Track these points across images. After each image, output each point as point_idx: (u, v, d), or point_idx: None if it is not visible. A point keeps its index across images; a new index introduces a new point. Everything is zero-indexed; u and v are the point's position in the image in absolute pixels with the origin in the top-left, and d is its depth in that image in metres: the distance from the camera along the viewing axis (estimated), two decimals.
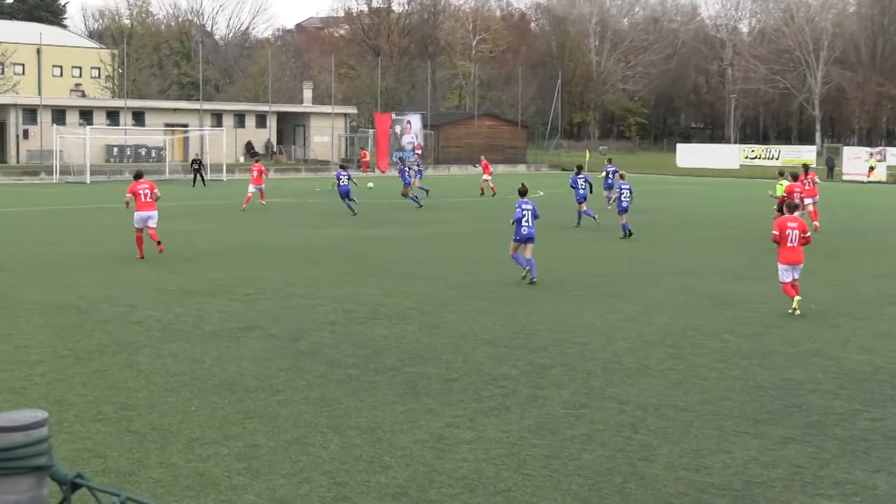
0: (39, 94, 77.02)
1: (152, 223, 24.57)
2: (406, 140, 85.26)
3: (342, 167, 40.68)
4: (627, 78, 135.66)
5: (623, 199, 30.86)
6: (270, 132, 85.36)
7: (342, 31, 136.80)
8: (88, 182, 60.08)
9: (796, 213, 19.15)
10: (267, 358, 13.25)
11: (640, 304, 18.19)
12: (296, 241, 28.32)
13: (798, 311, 17.20)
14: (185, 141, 79.00)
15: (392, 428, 10.09)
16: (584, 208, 34.37)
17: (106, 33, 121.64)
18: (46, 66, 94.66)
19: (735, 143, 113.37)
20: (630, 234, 30.17)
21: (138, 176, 25.28)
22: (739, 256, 26.05)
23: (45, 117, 72.34)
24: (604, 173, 43.39)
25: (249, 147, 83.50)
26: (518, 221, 21.14)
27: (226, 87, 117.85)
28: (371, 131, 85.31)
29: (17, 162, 72.14)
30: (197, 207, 41.27)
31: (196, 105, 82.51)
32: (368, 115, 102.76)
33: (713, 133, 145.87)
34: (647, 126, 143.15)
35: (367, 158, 77.85)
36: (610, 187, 38.03)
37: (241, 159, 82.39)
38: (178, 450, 9.32)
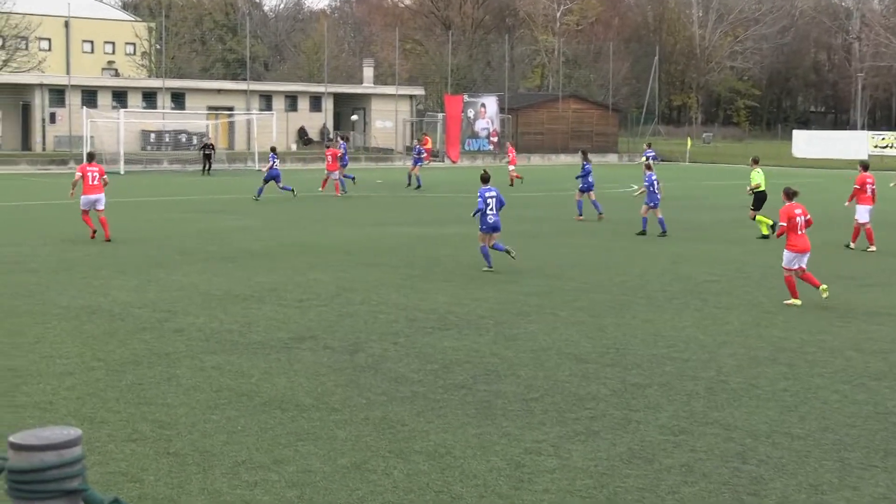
0: (68, 72, 78.03)
1: (100, 206, 27.85)
2: (480, 125, 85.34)
3: (273, 150, 44.62)
4: (735, 54, 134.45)
5: (656, 191, 31.18)
6: (326, 116, 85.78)
7: (408, 2, 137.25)
8: (122, 172, 60.83)
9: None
10: (322, 372, 13.34)
11: (750, 315, 18.03)
12: (354, 239, 28.46)
13: (827, 295, 19.19)
14: (231, 126, 79.72)
15: (463, 453, 10.11)
16: (594, 198, 35.76)
17: (142, 4, 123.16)
18: (76, 42, 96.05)
19: (862, 129, 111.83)
20: (664, 233, 30.71)
21: (90, 158, 29.32)
22: (867, 261, 25.72)
23: (73, 99, 73.25)
24: (644, 158, 43.49)
25: (302, 133, 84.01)
26: (482, 211, 22.72)
27: (276, 65, 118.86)
28: (440, 115, 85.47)
29: (43, 149, 73.18)
30: (239, 202, 41.64)
31: (243, 85, 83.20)
32: (437, 96, 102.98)
33: (836, 118, 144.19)
34: (758, 110, 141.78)
35: (430, 145, 77.89)
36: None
37: (293, 147, 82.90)
38: (222, 474, 9.42)
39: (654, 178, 31.45)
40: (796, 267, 19.18)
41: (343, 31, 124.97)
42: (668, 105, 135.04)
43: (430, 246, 27.33)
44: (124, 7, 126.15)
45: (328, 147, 48.55)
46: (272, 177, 42.26)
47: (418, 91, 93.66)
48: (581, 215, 35.59)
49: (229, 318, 17.02)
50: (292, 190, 43.30)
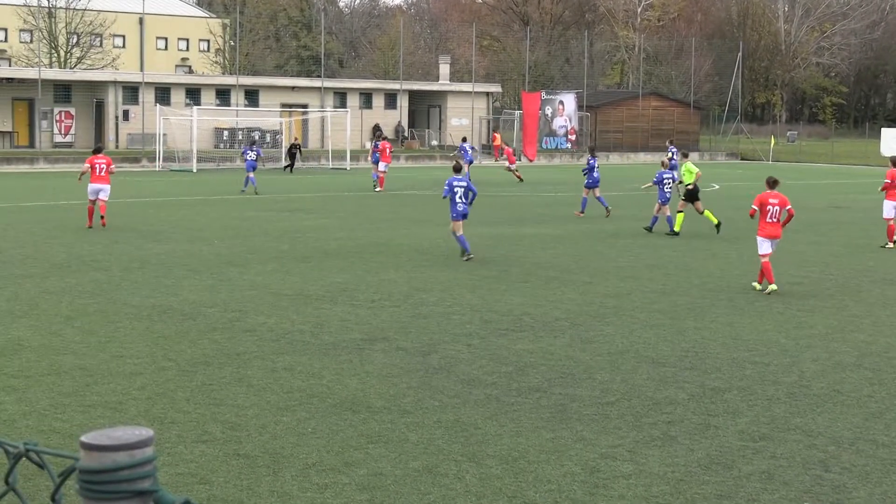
0: (141, 69, 79.05)
1: (103, 196, 30.59)
2: (558, 123, 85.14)
3: (252, 143, 49.09)
4: (822, 50, 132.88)
5: (666, 189, 31.30)
6: (401, 114, 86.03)
7: None
8: (195, 170, 61.39)
9: None
10: (394, 374, 13.40)
11: (834, 319, 17.85)
12: (428, 239, 28.52)
13: (760, 290, 20.48)
14: (304, 123, 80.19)
15: (537, 458, 10.11)
16: (598, 195, 36.24)
17: (217, 1, 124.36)
18: (150, 38, 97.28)
19: None
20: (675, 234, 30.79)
21: (97, 150, 32.05)
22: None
23: (147, 96, 74.05)
24: (669, 154, 43.70)
25: (377, 130, 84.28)
26: (452, 200, 24.41)
27: (351, 61, 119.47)
28: (517, 113, 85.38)
29: (116, 147, 74.01)
30: (312, 200, 41.90)
31: (317, 82, 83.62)
32: (515, 93, 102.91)
33: None
34: (845, 107, 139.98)
35: (499, 142, 77.75)
36: (674, 168, 37.92)
37: (367, 145, 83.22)
38: (291, 477, 9.50)
39: (665, 175, 31.61)
40: (770, 250, 20.65)
41: (419, 27, 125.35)
42: (751, 103, 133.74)
43: (505, 246, 27.33)
44: (199, 3, 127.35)
45: (384, 139, 50.51)
46: (250, 167, 45.69)
47: (495, 88, 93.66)
48: (582, 212, 36.14)
49: (301, 318, 17.15)
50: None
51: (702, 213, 31.16)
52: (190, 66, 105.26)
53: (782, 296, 20.16)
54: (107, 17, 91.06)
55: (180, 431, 10.82)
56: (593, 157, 37.11)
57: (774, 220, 20.64)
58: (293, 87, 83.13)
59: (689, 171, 31.54)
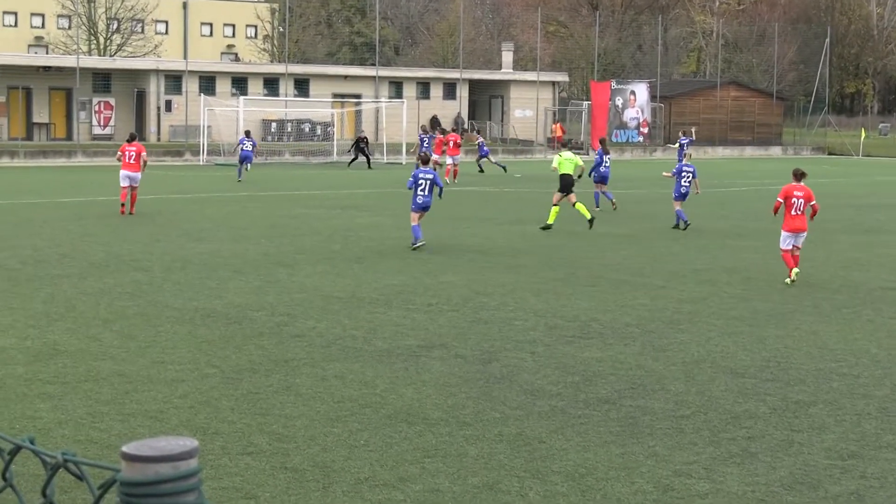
0: (185, 57, 79.56)
1: (134, 183, 33.66)
2: (629, 115, 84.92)
3: (247, 133, 53.91)
4: None
5: (683, 183, 31.81)
6: (461, 105, 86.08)
7: None
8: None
9: None
10: (452, 383, 13.40)
11: None
12: (490, 238, 28.52)
13: (793, 281, 21.47)
14: (357, 115, 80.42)
15: (606, 475, 10.08)
16: (605, 189, 37.33)
17: None
18: (194, 24, 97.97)
19: None
20: (686, 226, 31.45)
21: (131, 139, 35.31)
22: None
23: (191, 86, 74.54)
24: (677, 145, 44.13)
25: (435, 123, 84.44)
26: (414, 191, 26.35)
27: (407, 49, 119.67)
28: (585, 104, 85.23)
29: (158, 139, 74.65)
30: (365, 196, 42.03)
31: (371, 71, 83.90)
32: (583, 83, 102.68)
33: None
34: None
35: (561, 134, 77.58)
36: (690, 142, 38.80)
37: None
38: (342, 492, 9.52)
39: (685, 168, 32.12)
40: (790, 248, 21.75)
41: (480, 12, 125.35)
42: (839, 93, 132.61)
43: (574, 246, 27.27)
44: None
45: (453, 131, 55.29)
46: (244, 157, 50.98)
47: (562, 77, 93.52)
48: (597, 206, 36.74)
49: (353, 323, 17.20)
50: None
51: (574, 205, 31.58)
52: (236, 54, 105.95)
53: (872, 302, 19.98)
54: (149, 1, 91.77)
55: (224, 443, 10.88)
56: (605, 151, 37.66)
57: (799, 212, 21.66)
58: (346, 76, 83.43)
59: (569, 160, 32.05)
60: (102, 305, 18.33)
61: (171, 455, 2.27)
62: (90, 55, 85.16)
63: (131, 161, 33.68)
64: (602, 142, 39.35)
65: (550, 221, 30.89)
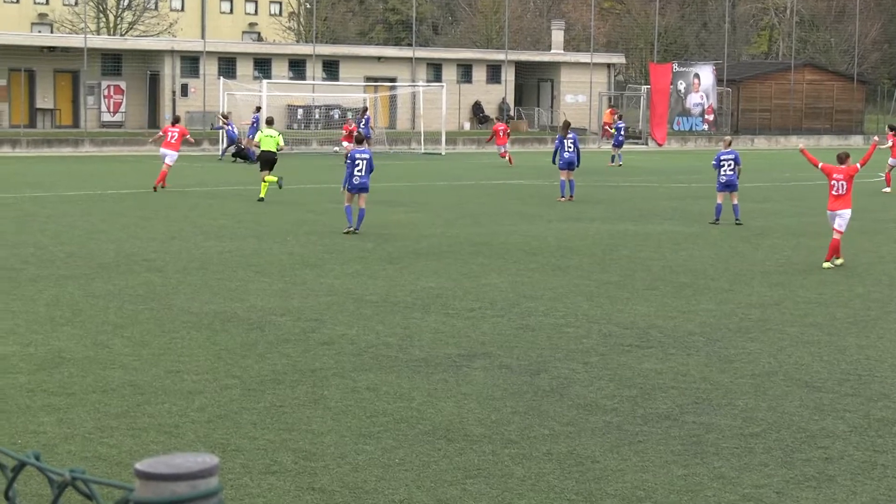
0: (203, 37, 79.65)
1: (169, 160, 39.98)
2: (692, 100, 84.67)
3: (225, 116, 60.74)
4: None
5: (724, 172, 32.28)
6: (506, 89, 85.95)
7: None
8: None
9: None
10: (496, 396, 13.40)
11: None
12: (539, 237, 28.48)
13: (834, 266, 23.86)
14: (392, 100, 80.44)
15: (667, 498, 10.06)
16: (571, 177, 38.74)
17: None
18: (212, 1, 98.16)
19: None
20: (737, 223, 31.80)
21: (175, 121, 42.48)
22: None
23: (209, 68, 74.74)
24: (613, 130, 45.60)
25: (477, 109, 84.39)
26: (349, 172, 28.08)
27: (447, 27, 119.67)
28: (644, 88, 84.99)
29: None
30: (400, 190, 42.03)
31: (407, 52, 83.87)
32: (641, 65, 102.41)
33: None
34: None
35: (611, 119, 77.04)
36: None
37: (466, 126, 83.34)
38: None
39: (723, 156, 32.50)
40: (836, 226, 24.24)
41: None
42: None
43: (631, 246, 27.21)
44: None
45: (497, 119, 62.14)
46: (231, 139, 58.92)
47: (617, 59, 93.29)
48: (563, 196, 38.43)
49: (387, 329, 17.21)
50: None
51: (264, 181, 36.18)
52: (259, 34, 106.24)
53: None
54: None
55: (246, 460, 10.91)
56: (566, 135, 38.95)
57: (839, 193, 24.25)
58: (379, 58, 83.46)
59: (269, 137, 36.56)
60: (112, 309, 18.41)
61: (190, 473, 2.28)
62: (99, 34, 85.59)
63: (172, 140, 40.33)
64: (566, 125, 40.30)
65: (262, 195, 35.78)
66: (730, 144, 33.43)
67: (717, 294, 20.83)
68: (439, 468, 10.76)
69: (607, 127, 71.33)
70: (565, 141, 38.76)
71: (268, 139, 36.77)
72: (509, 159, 56.76)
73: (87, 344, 15.90)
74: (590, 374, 14.56)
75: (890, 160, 44.18)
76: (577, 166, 38.89)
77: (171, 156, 40.14)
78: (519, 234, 29.27)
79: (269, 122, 39.31)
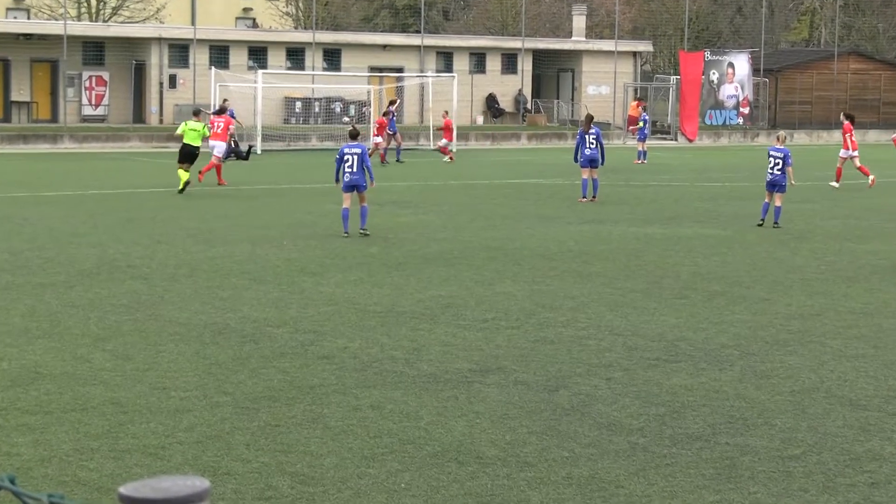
0: (193, 23, 79.63)
1: (217, 152, 41.63)
2: (726, 92, 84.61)
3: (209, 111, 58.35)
4: None
5: (770, 170, 32.03)
6: (523, 80, 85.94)
7: None
8: (259, 151, 61.81)
9: None
10: (512, 415, 13.41)
11: None
12: (558, 241, 28.47)
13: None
14: (399, 91, 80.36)
15: None
16: (594, 176, 38.61)
17: None
18: None
19: None
20: (775, 226, 31.71)
21: (220, 111, 43.88)
22: None
23: (199, 57, 74.67)
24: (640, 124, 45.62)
25: (491, 101, 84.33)
26: (341, 168, 28.06)
27: (458, 13, 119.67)
28: (674, 79, 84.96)
29: (161, 121, 74.76)
30: (408, 190, 42.06)
31: (415, 40, 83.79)
32: (670, 54, 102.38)
33: None
34: None
35: (638, 112, 76.83)
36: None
37: (479, 120, 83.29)
38: None
39: (772, 151, 32.44)
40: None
41: None
42: None
43: (658, 251, 27.20)
44: None
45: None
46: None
47: (644, 47, 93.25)
48: (584, 197, 38.35)
49: (392, 342, 17.22)
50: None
51: (187, 173, 38.04)
52: (254, 20, 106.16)
53: None
54: None
55: (238, 485, 10.93)
56: (588, 130, 38.70)
57: None
58: (384, 46, 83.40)
59: (193, 130, 38.05)
60: (93, 320, 18.43)
61: (178, 498, 2.29)
62: (80, 20, 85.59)
63: (217, 131, 41.98)
64: (588, 119, 40.07)
65: (180, 187, 37.23)
66: (783, 140, 33.15)
67: (752, 304, 20.82)
68: (449, 493, 10.77)
69: (634, 120, 71.20)
70: (587, 136, 38.45)
71: (191, 132, 38.17)
72: (450, 157, 57.68)
73: (66, 358, 15.92)
74: (613, 391, 14.57)
75: None
76: (602, 164, 38.65)
77: (219, 147, 41.80)
78: (537, 237, 29.26)
79: (196, 113, 40.78)
